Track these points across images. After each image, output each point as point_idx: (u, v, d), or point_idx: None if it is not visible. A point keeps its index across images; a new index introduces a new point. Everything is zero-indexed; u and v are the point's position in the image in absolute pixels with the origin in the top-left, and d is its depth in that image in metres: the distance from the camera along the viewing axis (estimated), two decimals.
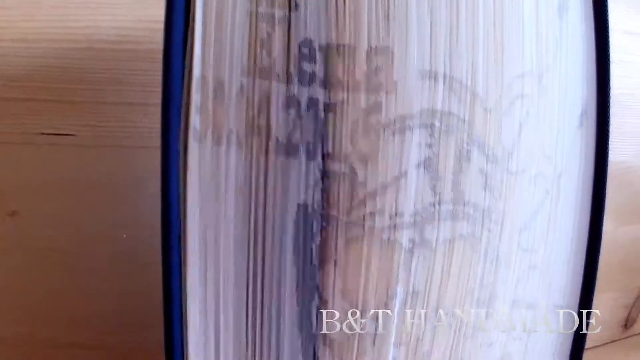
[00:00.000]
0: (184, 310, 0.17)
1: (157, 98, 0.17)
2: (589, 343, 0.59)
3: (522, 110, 0.19)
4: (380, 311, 0.18)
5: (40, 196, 0.33)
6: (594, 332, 0.56)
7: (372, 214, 0.17)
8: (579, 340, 0.23)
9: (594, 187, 0.22)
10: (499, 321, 0.20)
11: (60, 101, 0.34)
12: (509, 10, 0.19)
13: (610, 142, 0.22)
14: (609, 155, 0.23)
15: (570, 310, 0.22)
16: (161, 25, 0.18)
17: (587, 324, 0.23)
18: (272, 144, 0.16)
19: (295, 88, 0.17)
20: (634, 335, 0.59)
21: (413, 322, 0.19)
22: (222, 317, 0.17)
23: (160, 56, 0.17)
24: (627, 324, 0.58)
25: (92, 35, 0.33)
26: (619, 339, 0.58)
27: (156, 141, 0.17)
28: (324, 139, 0.17)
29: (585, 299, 0.23)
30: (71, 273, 0.35)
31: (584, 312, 0.22)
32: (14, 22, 0.33)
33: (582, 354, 0.24)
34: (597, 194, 0.22)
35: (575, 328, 0.23)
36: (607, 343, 0.57)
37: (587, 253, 0.22)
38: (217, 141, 0.16)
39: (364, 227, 0.17)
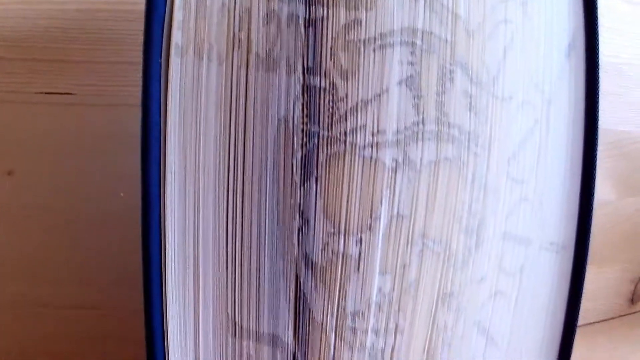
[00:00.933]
0: (162, 224, 0.17)
1: None
2: (593, 317, 0.58)
3: (507, 35, 0.19)
4: (363, 234, 0.18)
5: (38, 155, 0.33)
6: (599, 307, 0.56)
7: (354, 129, 0.17)
8: (576, 284, 0.23)
9: (585, 119, 0.22)
10: (490, 254, 0.20)
11: (59, 61, 0.34)
12: None
13: (599, 107, 0.22)
14: (600, 122, 0.22)
15: (566, 249, 0.22)
16: None
17: (583, 264, 0.22)
18: (252, 58, 0.17)
19: (275, 3, 0.17)
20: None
21: (399, 247, 0.18)
22: (200, 236, 0.17)
23: None
24: (633, 299, 0.57)
25: None
26: (626, 314, 0.58)
27: None
28: (304, 54, 0.17)
29: (582, 236, 0.22)
30: (68, 231, 0.35)
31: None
32: None
33: (579, 303, 0.24)
34: (589, 125, 0.22)
35: (571, 268, 0.22)
36: (613, 318, 0.57)
37: (582, 186, 0.22)
38: (198, 56, 0.16)
39: (345, 143, 0.17)
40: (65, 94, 0.34)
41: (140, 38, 0.36)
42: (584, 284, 0.23)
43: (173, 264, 0.18)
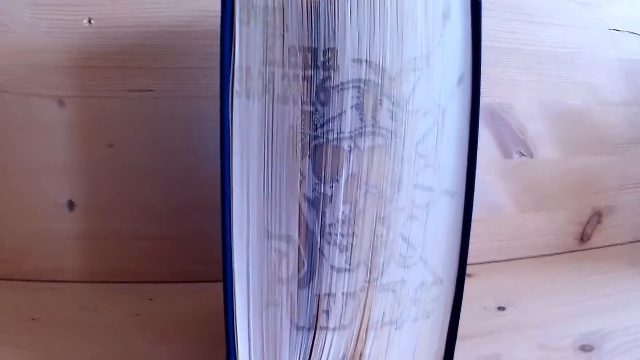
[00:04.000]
0: (230, 189, 0.34)
1: (210, 63, 0.34)
2: (545, 250, 0.74)
3: (415, 77, 0.35)
4: (334, 183, 0.35)
5: (131, 133, 0.51)
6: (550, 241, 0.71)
7: (327, 131, 0.34)
8: (466, 215, 0.39)
9: (470, 120, 0.38)
10: (406, 195, 0.37)
11: (143, 67, 0.51)
12: (407, 18, 0.34)
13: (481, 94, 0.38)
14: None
15: (458, 194, 0.39)
16: (208, 13, 0.35)
17: (470, 203, 0.39)
18: (275, 97, 0.33)
19: (287, 69, 0.33)
20: (590, 248, 0.73)
21: (353, 190, 0.35)
22: (251, 186, 0.35)
23: (209, 36, 0.34)
24: (582, 238, 0.72)
25: (161, 21, 0.50)
26: (576, 250, 0.72)
27: (209, 93, 0.33)
28: (302, 94, 0.33)
29: (469, 186, 0.39)
30: (151, 182, 0.53)
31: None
32: (109, 12, 0.50)
33: (469, 226, 0.40)
34: (472, 124, 0.38)
35: (463, 205, 0.39)
36: (564, 252, 0.71)
37: (468, 156, 0.38)
38: (247, 97, 0.33)
39: (323, 138, 0.34)
40: (147, 90, 0.51)
41: (198, 50, 0.55)
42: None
43: (236, 200, 0.35)
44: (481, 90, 0.38)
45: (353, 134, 0.34)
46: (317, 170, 0.35)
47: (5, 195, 0.52)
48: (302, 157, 0.34)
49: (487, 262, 0.64)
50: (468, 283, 0.42)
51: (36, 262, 0.53)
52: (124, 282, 0.55)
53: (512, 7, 0.58)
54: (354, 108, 0.34)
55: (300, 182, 0.35)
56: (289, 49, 0.33)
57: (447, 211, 0.39)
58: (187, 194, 0.53)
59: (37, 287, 0.54)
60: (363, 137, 0.34)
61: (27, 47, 0.48)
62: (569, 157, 0.66)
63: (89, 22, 0.49)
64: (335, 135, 0.34)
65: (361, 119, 0.34)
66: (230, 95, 0.33)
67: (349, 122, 0.34)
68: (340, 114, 0.34)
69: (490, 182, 0.62)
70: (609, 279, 0.62)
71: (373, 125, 0.34)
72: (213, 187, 0.35)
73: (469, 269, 0.43)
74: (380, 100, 0.34)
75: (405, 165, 0.36)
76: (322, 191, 0.35)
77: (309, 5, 0.33)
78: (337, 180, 0.35)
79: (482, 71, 0.37)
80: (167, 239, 0.54)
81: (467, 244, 0.41)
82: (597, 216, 0.70)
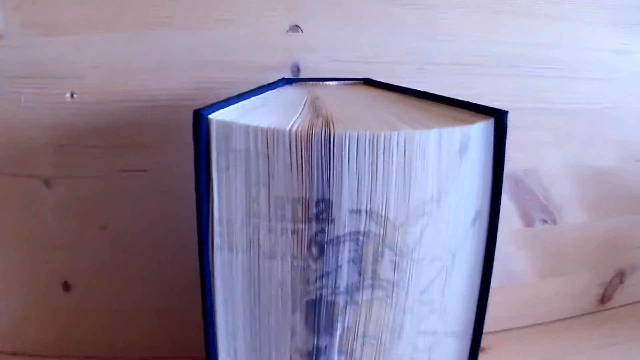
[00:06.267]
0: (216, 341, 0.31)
1: None
2: (564, 314, 0.69)
3: (423, 222, 0.31)
4: (328, 336, 0.31)
5: (123, 215, 0.48)
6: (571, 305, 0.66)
7: (321, 287, 0.30)
8: (473, 353, 0.36)
9: (484, 259, 0.33)
10: (407, 341, 0.33)
11: (134, 146, 0.47)
12: (416, 158, 0.29)
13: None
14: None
15: (465, 334, 0.35)
16: (204, 85, 0.30)
17: (478, 345, 0.35)
18: (261, 252, 0.29)
19: (273, 223, 0.29)
20: (610, 309, 0.69)
21: (348, 342, 0.32)
22: (237, 345, 0.32)
23: None
24: (603, 299, 0.67)
25: (153, 94, 0.46)
26: (595, 312, 0.68)
27: None
28: (291, 249, 0.29)
29: (478, 325, 0.35)
30: (147, 261, 0.50)
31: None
32: (94, 88, 0.46)
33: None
34: (486, 263, 0.33)
35: (469, 345, 0.35)
36: (583, 314, 0.67)
37: (479, 294, 0.34)
38: (230, 252, 0.29)
39: (316, 294, 0.30)
40: (140, 170, 0.48)
41: None
42: None
43: (223, 355, 0.32)
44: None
45: (350, 289, 0.30)
46: (309, 324, 0.31)
47: None
48: (293, 312, 0.31)
49: (504, 331, 0.60)
50: (482, 359, 0.38)
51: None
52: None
53: (539, 61, 0.52)
54: (351, 262, 0.30)
55: (292, 336, 0.31)
56: (275, 199, 0.29)
57: (452, 350, 0.36)
58: (188, 275, 0.50)
59: None
60: (361, 291, 0.31)
61: (9, 124, 0.44)
62: (595, 220, 0.61)
63: (72, 96, 0.45)
64: (329, 291, 0.30)
65: (359, 273, 0.30)
66: (210, 249, 0.30)
67: (345, 276, 0.30)
68: (336, 268, 0.30)
69: (510, 251, 0.58)
70: (629, 346, 0.58)
71: (372, 278, 0.31)
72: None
73: (483, 341, 0.39)
74: (381, 252, 0.30)
75: (407, 315, 0.32)
76: (316, 344, 0.32)
77: (298, 150, 0.28)
78: (331, 334, 0.31)
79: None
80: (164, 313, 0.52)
81: None
82: (619, 276, 0.66)
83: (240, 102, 0.35)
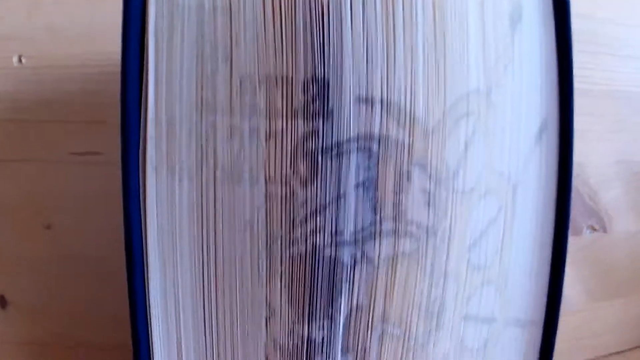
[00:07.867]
0: (149, 323, 0.19)
1: None
2: (609, 349, 0.57)
3: (468, 128, 0.20)
4: (325, 322, 0.19)
5: (72, 210, 0.37)
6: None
7: (313, 231, 0.19)
8: (545, 357, 0.23)
9: (557, 200, 0.22)
10: (450, 334, 0.21)
11: (89, 121, 0.37)
12: (451, 27, 0.19)
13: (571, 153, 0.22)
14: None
15: (534, 324, 0.23)
16: None
17: (553, 339, 0.23)
18: (218, 173, 0.18)
19: (237, 119, 0.18)
20: None
21: (359, 333, 0.20)
22: (182, 327, 0.20)
23: None
24: None
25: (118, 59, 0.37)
26: None
27: None
28: (265, 165, 0.18)
29: (551, 313, 0.23)
30: (100, 278, 0.38)
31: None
32: (52, 50, 0.36)
33: None
34: (560, 206, 0.22)
35: (540, 341, 0.23)
36: (631, 349, 0.55)
37: (552, 265, 0.23)
38: (171, 174, 0.18)
39: (306, 244, 0.19)
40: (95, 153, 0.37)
41: None
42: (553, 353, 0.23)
43: (158, 350, 0.20)
44: None
45: (359, 236, 0.19)
46: (295, 299, 0.19)
47: None
48: (269, 277, 0.19)
49: None
50: None
51: None
52: None
53: (577, 35, 0.43)
54: (360, 187, 0.19)
55: (267, 319, 0.19)
56: (240, 81, 0.18)
57: (515, 350, 0.23)
58: None
59: None
60: (377, 241, 0.19)
61: None
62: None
63: (20, 60, 0.35)
64: (327, 239, 0.19)
65: (374, 209, 0.19)
66: (139, 172, 0.18)
67: (352, 213, 0.19)
68: (337, 198, 0.19)
69: None
70: None
71: (395, 219, 0.19)
72: None
73: None
74: (407, 173, 0.19)
75: (450, 285, 0.21)
76: (306, 335, 0.20)
77: (275, 1, 0.18)
78: (331, 317, 0.19)
79: None
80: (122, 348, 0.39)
81: None
82: None
83: None
